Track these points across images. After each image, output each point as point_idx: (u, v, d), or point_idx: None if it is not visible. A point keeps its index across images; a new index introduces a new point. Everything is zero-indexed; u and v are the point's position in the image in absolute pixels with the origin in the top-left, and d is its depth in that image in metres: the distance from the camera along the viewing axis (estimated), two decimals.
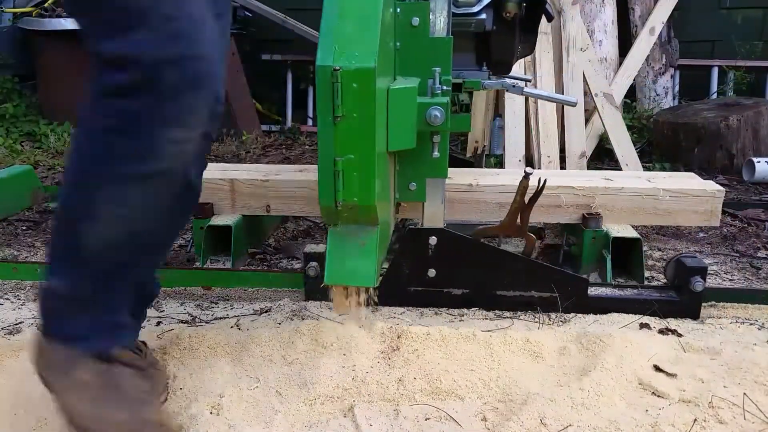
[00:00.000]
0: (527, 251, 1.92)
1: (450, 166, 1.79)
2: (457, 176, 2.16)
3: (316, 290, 1.84)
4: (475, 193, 2.14)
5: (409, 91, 1.47)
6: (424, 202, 1.77)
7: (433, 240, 1.79)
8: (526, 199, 1.85)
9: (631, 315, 1.79)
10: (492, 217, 2.16)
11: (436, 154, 1.63)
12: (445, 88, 1.59)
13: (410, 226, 1.89)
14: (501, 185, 2.12)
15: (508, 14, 1.92)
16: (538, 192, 1.85)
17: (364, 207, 1.35)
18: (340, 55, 1.27)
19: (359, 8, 1.34)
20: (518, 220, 1.88)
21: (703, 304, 1.84)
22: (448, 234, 1.80)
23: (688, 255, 1.88)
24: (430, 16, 1.65)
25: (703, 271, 1.78)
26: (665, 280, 1.94)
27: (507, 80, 1.96)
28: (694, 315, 1.80)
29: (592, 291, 1.85)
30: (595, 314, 1.82)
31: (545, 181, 1.84)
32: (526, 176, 1.82)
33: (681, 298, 1.81)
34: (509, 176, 2.19)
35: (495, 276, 1.84)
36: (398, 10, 1.59)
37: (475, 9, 1.90)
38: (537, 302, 1.83)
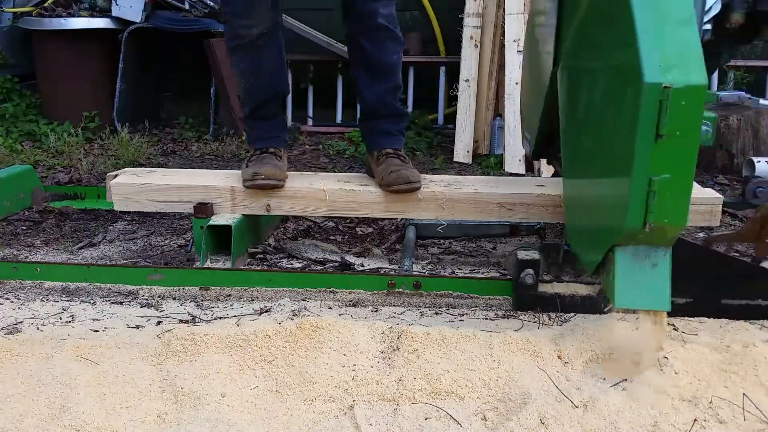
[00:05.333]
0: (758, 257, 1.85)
1: None
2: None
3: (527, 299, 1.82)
4: (476, 194, 2.14)
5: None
6: None
7: None
8: None
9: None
10: (492, 217, 2.16)
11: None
12: None
13: None
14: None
15: (731, 25, 1.87)
16: None
17: (673, 228, 1.28)
18: (667, 70, 1.21)
19: (675, 23, 1.27)
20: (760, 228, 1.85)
21: None
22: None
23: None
24: None
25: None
26: None
27: (743, 93, 1.92)
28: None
29: None
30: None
31: None
32: None
33: None
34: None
35: (724, 284, 1.74)
36: None
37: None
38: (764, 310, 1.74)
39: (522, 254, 1.80)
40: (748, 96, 1.91)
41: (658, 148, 1.23)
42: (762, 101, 1.99)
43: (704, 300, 1.75)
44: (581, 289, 1.84)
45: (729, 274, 1.74)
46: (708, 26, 1.86)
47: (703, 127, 1.41)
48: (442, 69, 4.54)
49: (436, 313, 1.85)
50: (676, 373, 1.43)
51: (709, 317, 1.76)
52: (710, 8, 1.83)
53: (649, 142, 1.23)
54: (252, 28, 2.17)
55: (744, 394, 1.36)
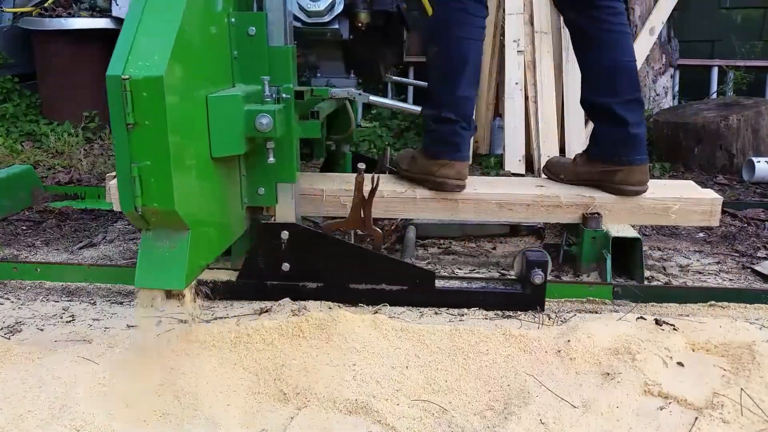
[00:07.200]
0: (376, 245, 1.96)
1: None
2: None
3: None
4: (476, 194, 2.14)
5: (231, 98, 1.51)
6: (275, 205, 1.82)
7: (285, 234, 1.82)
8: (365, 194, 1.91)
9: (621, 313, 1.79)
10: (492, 217, 2.17)
11: (271, 160, 1.66)
12: (285, 96, 1.65)
13: (262, 221, 1.90)
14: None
15: (360, 24, 1.99)
16: (374, 188, 1.89)
17: (165, 211, 1.36)
18: (131, 63, 1.29)
19: (157, 21, 1.35)
20: (362, 214, 1.93)
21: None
22: (300, 229, 1.83)
23: (532, 249, 1.91)
24: (269, 26, 1.68)
25: (544, 265, 1.82)
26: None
27: (353, 89, 1.99)
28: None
29: (440, 284, 1.89)
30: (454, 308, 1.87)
31: (378, 179, 1.89)
32: (359, 172, 1.87)
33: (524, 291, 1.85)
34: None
35: (348, 270, 1.86)
36: (233, 20, 1.63)
37: (326, 19, 1.94)
38: (388, 295, 1.87)
39: None
40: (359, 92, 1.99)
41: (132, 137, 1.31)
42: (373, 97, 2.03)
43: (333, 285, 1.87)
44: (222, 275, 1.93)
45: (354, 261, 1.86)
46: (336, 25, 1.96)
47: (264, 120, 1.53)
48: None
49: (436, 313, 1.85)
50: (677, 372, 1.43)
51: (339, 302, 1.86)
52: (332, 5, 1.90)
53: (123, 131, 1.30)
54: None
55: (745, 393, 1.36)
